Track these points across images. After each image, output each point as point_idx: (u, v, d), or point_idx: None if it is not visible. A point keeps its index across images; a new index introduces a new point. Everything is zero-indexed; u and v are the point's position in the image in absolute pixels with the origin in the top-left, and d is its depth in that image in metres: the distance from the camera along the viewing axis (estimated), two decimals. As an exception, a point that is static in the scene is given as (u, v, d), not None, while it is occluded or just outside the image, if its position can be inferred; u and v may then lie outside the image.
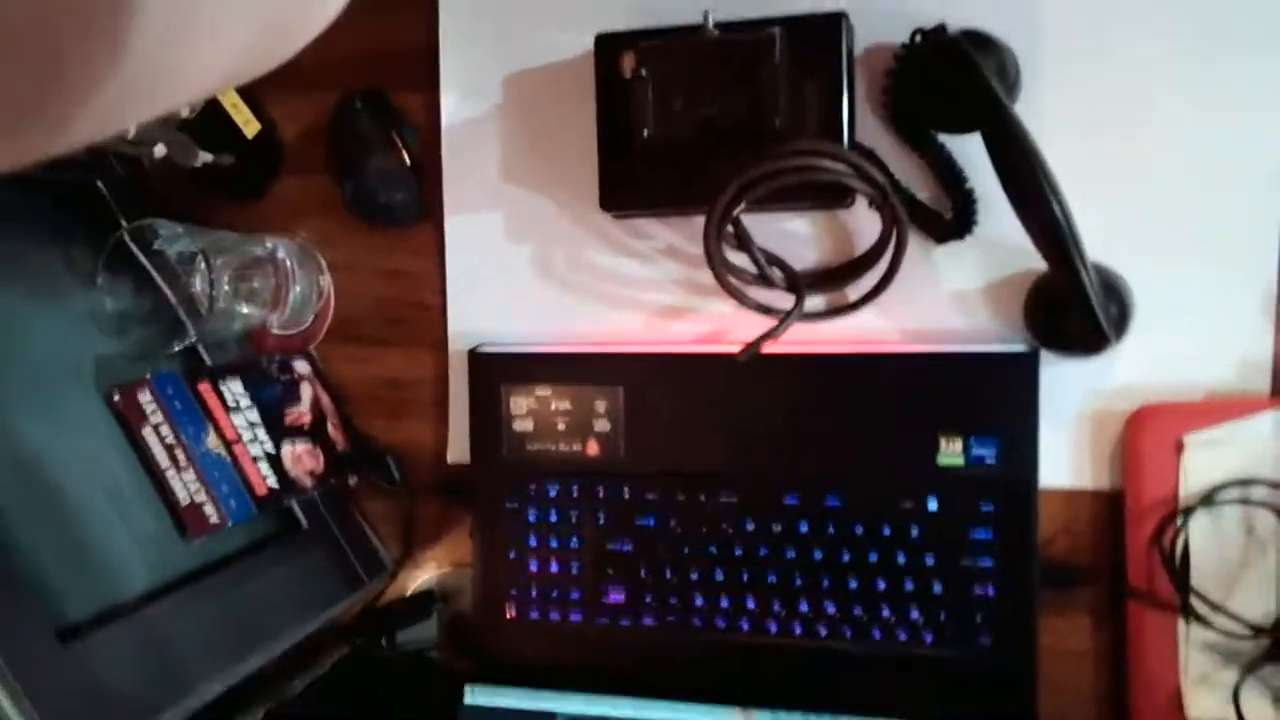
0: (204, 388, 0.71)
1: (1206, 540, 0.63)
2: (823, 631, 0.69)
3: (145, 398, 0.68)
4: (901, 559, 0.68)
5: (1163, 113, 0.64)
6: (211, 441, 0.70)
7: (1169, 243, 0.64)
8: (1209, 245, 0.64)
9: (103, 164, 0.74)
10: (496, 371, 0.75)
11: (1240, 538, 0.63)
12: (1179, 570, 0.63)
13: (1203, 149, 0.64)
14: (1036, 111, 0.62)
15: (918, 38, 0.63)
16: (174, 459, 0.68)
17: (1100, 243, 0.59)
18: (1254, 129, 0.63)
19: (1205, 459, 0.63)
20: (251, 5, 0.25)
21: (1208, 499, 0.63)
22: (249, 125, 0.77)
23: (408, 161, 0.76)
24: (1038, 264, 0.59)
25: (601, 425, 0.73)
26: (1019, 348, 0.66)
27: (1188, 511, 0.63)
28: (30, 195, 0.71)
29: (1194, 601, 0.63)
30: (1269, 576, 0.62)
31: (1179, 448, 0.63)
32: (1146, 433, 0.64)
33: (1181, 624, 0.64)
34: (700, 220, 0.64)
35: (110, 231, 0.70)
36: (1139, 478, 0.65)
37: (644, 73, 0.64)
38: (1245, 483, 0.62)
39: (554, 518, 0.74)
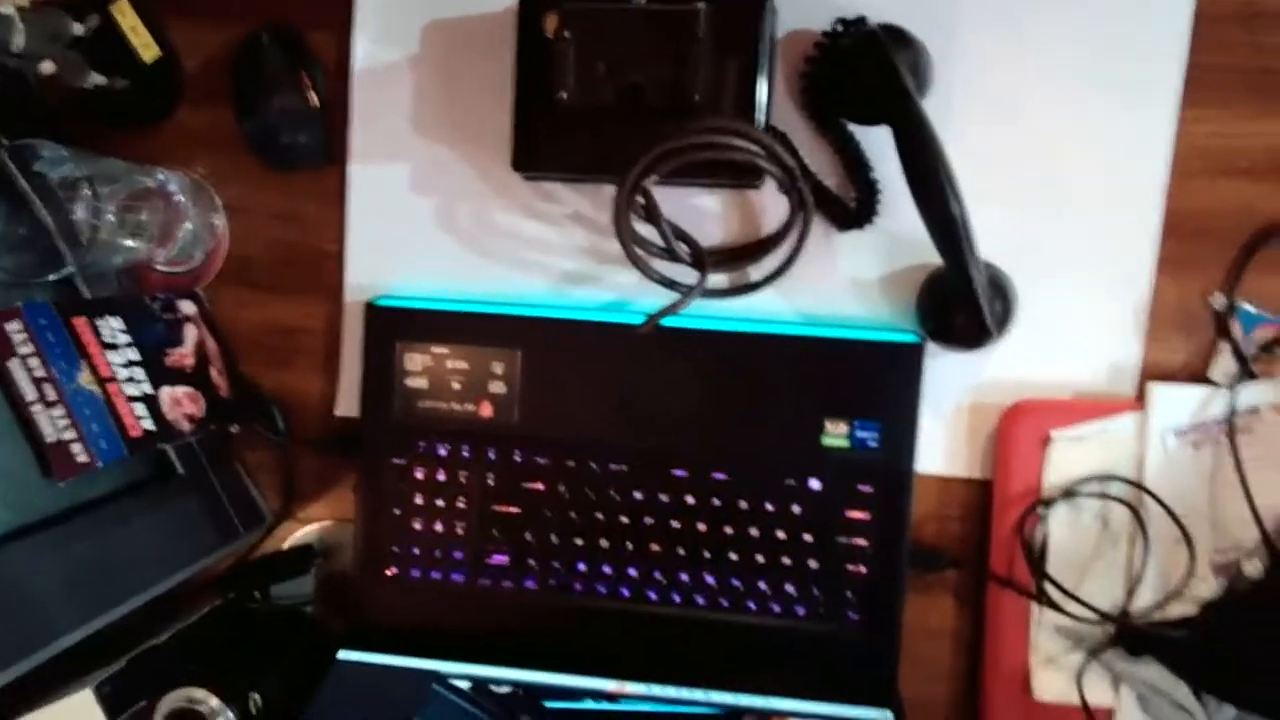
0: (79, 322, 0.68)
1: (1064, 531, 0.67)
2: (700, 601, 0.71)
3: (14, 327, 0.64)
4: (781, 535, 0.70)
5: (1060, 121, 0.67)
6: (84, 378, 0.67)
7: (1055, 247, 0.68)
8: (1091, 253, 0.68)
9: (-17, 76, 0.70)
10: (393, 325, 0.73)
11: (1095, 530, 0.67)
12: (1037, 558, 0.67)
13: (1093, 159, 0.67)
14: (945, 110, 0.64)
15: (839, 27, 0.65)
16: (42, 394, 0.65)
17: (992, 241, 0.62)
18: (1141, 143, 0.66)
19: (1069, 454, 0.67)
20: None
21: (1068, 492, 0.67)
22: (147, 49, 0.73)
23: (315, 102, 0.74)
24: (932, 258, 0.62)
25: (497, 387, 0.72)
26: (907, 337, 0.68)
27: (1049, 502, 0.67)
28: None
29: (1048, 587, 0.67)
30: (1118, 567, 0.67)
31: (1046, 442, 0.67)
32: (1018, 426, 0.68)
33: (1035, 608, 0.68)
34: (611, 189, 0.64)
35: (-12, 149, 0.66)
36: (1008, 469, 0.68)
37: (567, 34, 0.63)
38: (1104, 478, 0.66)
39: (442, 477, 0.73)
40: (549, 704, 0.68)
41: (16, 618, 0.60)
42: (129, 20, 0.72)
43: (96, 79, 0.71)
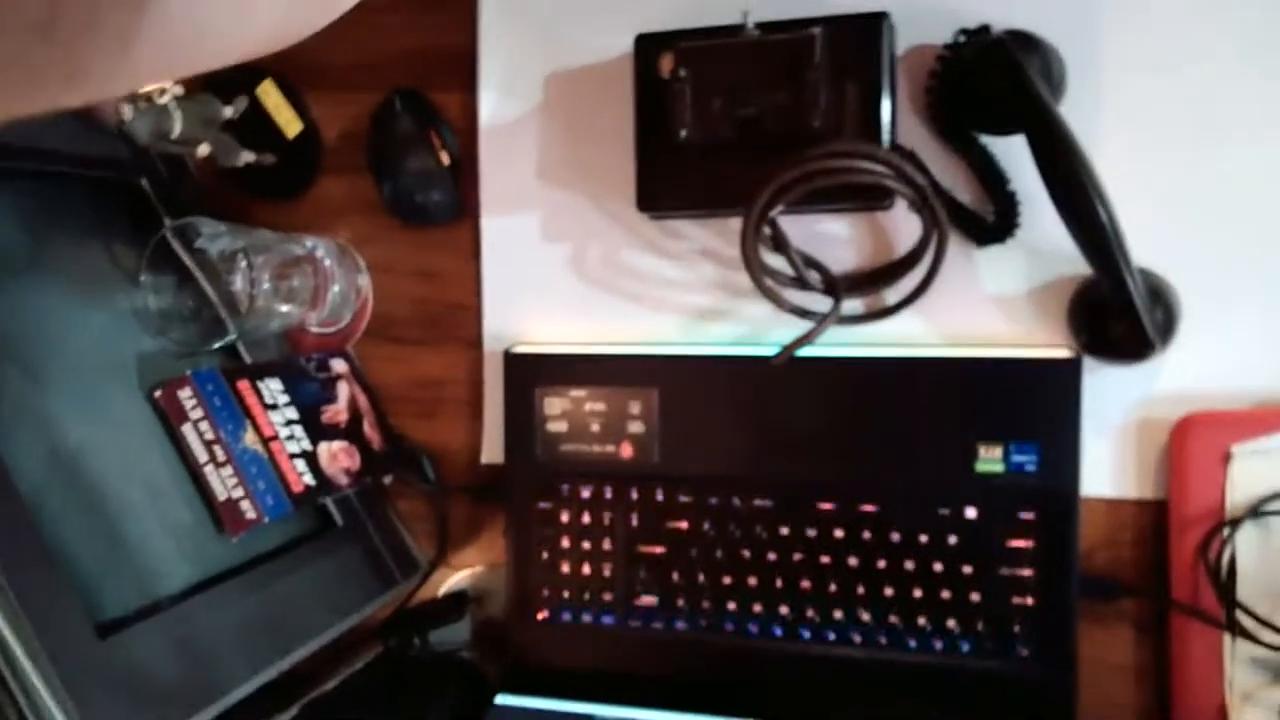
0: (243, 385, 0.71)
1: (1253, 553, 0.62)
2: (857, 640, 0.68)
3: (186, 394, 0.69)
4: (939, 567, 0.67)
5: (1214, 118, 0.63)
6: (249, 439, 0.71)
7: (1217, 248, 0.63)
8: (1258, 251, 0.62)
9: (147, 163, 0.75)
10: (531, 372, 0.75)
11: (1290, 551, 0.61)
12: (1225, 583, 0.62)
13: (1255, 155, 0.62)
14: (1083, 113, 0.61)
15: (961, 38, 0.63)
16: (213, 455, 0.69)
17: (1146, 247, 0.58)
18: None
19: (1253, 470, 0.61)
20: None
21: (1255, 511, 0.61)
22: (290, 125, 0.78)
23: (445, 161, 0.76)
24: (1082, 268, 0.58)
25: (635, 427, 0.72)
26: (1062, 353, 0.64)
27: (1234, 523, 0.62)
28: (76, 193, 0.72)
29: (1240, 616, 0.61)
30: (1320, 591, 0.61)
31: (1226, 458, 0.62)
32: (1192, 442, 0.63)
33: (1227, 639, 0.62)
34: (737, 221, 0.63)
35: (154, 230, 0.71)
36: (1184, 488, 0.63)
37: (682, 73, 0.63)
38: (1295, 495, 0.61)
39: (587, 519, 0.73)
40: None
41: (196, 669, 0.63)
42: (273, 100, 0.77)
43: (247, 157, 0.76)
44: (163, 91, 0.69)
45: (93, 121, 0.69)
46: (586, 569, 0.74)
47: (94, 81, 0.23)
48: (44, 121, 0.67)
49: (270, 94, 0.77)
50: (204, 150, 0.72)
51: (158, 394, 0.68)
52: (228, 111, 0.76)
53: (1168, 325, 0.61)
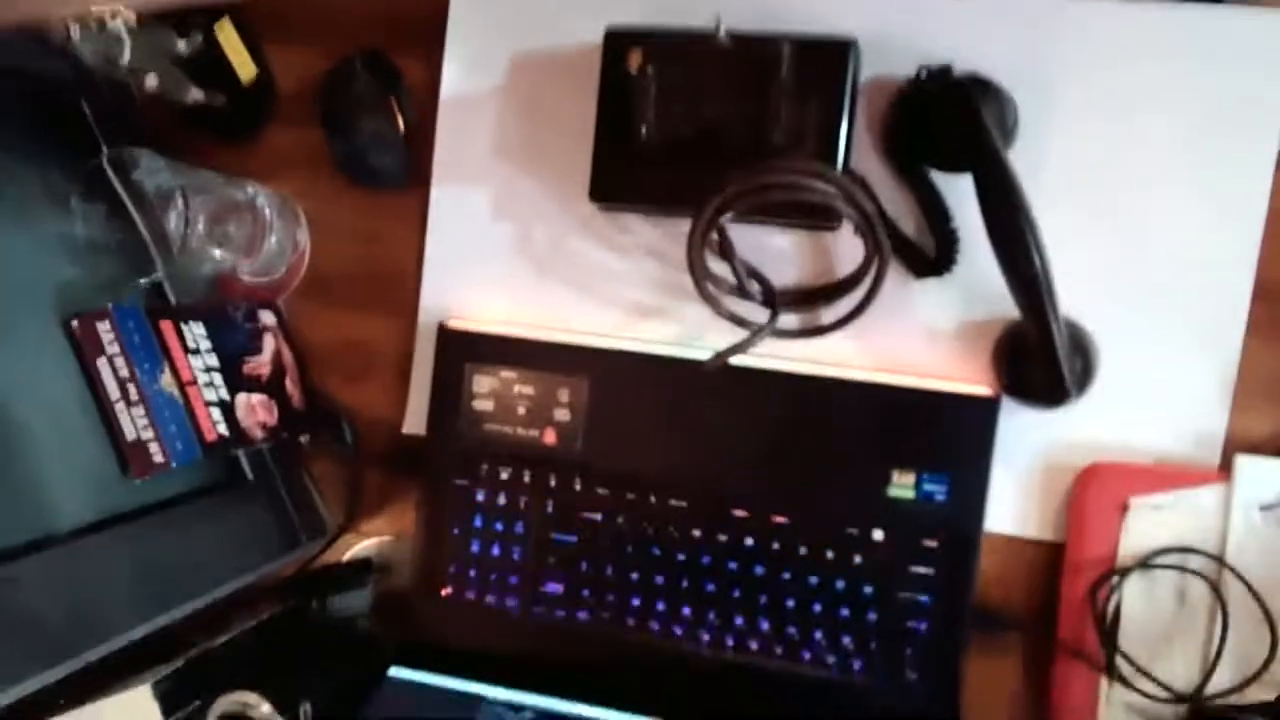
0: (166, 326, 0.70)
1: (1139, 603, 0.64)
2: (754, 646, 0.69)
3: (104, 328, 0.67)
4: (841, 584, 0.68)
5: (1152, 181, 0.65)
6: (166, 380, 0.69)
7: (1141, 307, 0.65)
8: (1179, 316, 0.65)
9: (91, 87, 0.73)
10: (464, 347, 0.74)
11: (1172, 604, 0.64)
12: (1108, 629, 0.64)
13: (1186, 223, 0.65)
14: (1030, 162, 0.62)
15: (923, 74, 0.64)
16: (125, 393, 0.67)
17: (1073, 297, 0.60)
18: (1236, 213, 0.64)
19: (1148, 523, 0.64)
20: None
21: (1145, 562, 0.64)
22: (245, 68, 0.76)
23: (401, 127, 0.75)
24: (1010, 311, 0.60)
25: (562, 415, 0.72)
26: (982, 391, 0.66)
27: (1124, 572, 0.64)
28: (13, 110, 0.69)
29: (1119, 661, 0.64)
30: (1196, 645, 0.64)
31: (1124, 509, 0.64)
32: (1094, 490, 0.65)
33: (1105, 682, 0.65)
34: (686, 223, 0.64)
35: (91, 156, 0.69)
36: (1081, 532, 0.66)
37: (649, 71, 0.64)
38: (1184, 551, 0.63)
39: (502, 501, 0.73)
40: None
41: (82, 611, 0.62)
42: (230, 40, 0.75)
43: (196, 95, 0.74)
44: (115, 15, 0.67)
45: (39, 37, 0.66)
46: (496, 550, 0.74)
47: None
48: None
49: (228, 33, 0.75)
50: (152, 82, 0.70)
51: (75, 324, 0.66)
52: (181, 45, 0.74)
53: (1085, 375, 0.64)
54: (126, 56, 0.68)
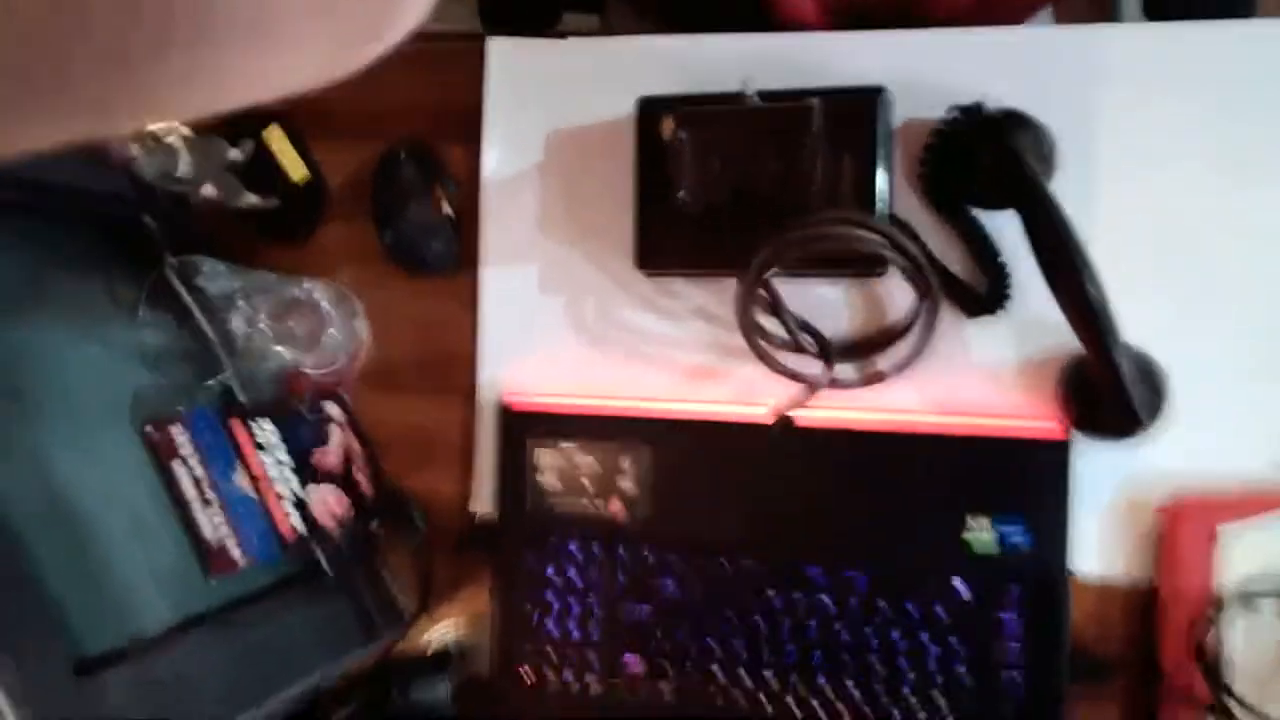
0: (236, 425, 0.72)
1: (1242, 636, 0.61)
2: (841, 709, 0.67)
3: (178, 431, 0.69)
4: (925, 638, 0.66)
5: (1206, 196, 0.63)
6: (240, 479, 0.71)
7: (1206, 328, 0.63)
8: (1246, 331, 0.63)
9: (151, 200, 0.76)
10: (524, 425, 0.75)
11: (1277, 636, 0.61)
12: (1213, 667, 0.61)
13: (1247, 236, 0.63)
14: (1074, 189, 0.61)
15: (955, 114, 0.63)
16: (202, 494, 0.69)
17: (1135, 325, 0.58)
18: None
19: (1241, 553, 0.61)
20: (328, 11, 0.25)
21: (1243, 595, 0.61)
22: (296, 170, 0.79)
23: (447, 212, 0.77)
24: (1072, 342, 0.58)
25: (626, 484, 0.72)
26: (1051, 430, 0.64)
27: (1223, 605, 0.61)
28: (79, 227, 0.73)
29: (1228, 700, 0.61)
30: (1308, 680, 0.60)
31: (1213, 540, 0.61)
32: (1180, 523, 0.63)
33: (1215, 724, 0.61)
34: (733, 283, 0.64)
35: (154, 267, 0.71)
36: (1173, 569, 0.63)
37: (683, 136, 0.64)
38: (1284, 580, 0.60)
39: (574, 575, 0.73)
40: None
41: (173, 710, 0.62)
42: (280, 144, 0.78)
43: (251, 199, 0.77)
44: (171, 131, 0.70)
45: (99, 157, 0.70)
46: (572, 626, 0.73)
47: (158, 109, 0.24)
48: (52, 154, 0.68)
49: (277, 138, 0.78)
50: (208, 190, 0.73)
51: (149, 429, 0.69)
52: (234, 153, 0.77)
53: (1155, 404, 0.61)
54: (183, 169, 0.71)
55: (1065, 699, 0.64)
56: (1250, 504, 0.61)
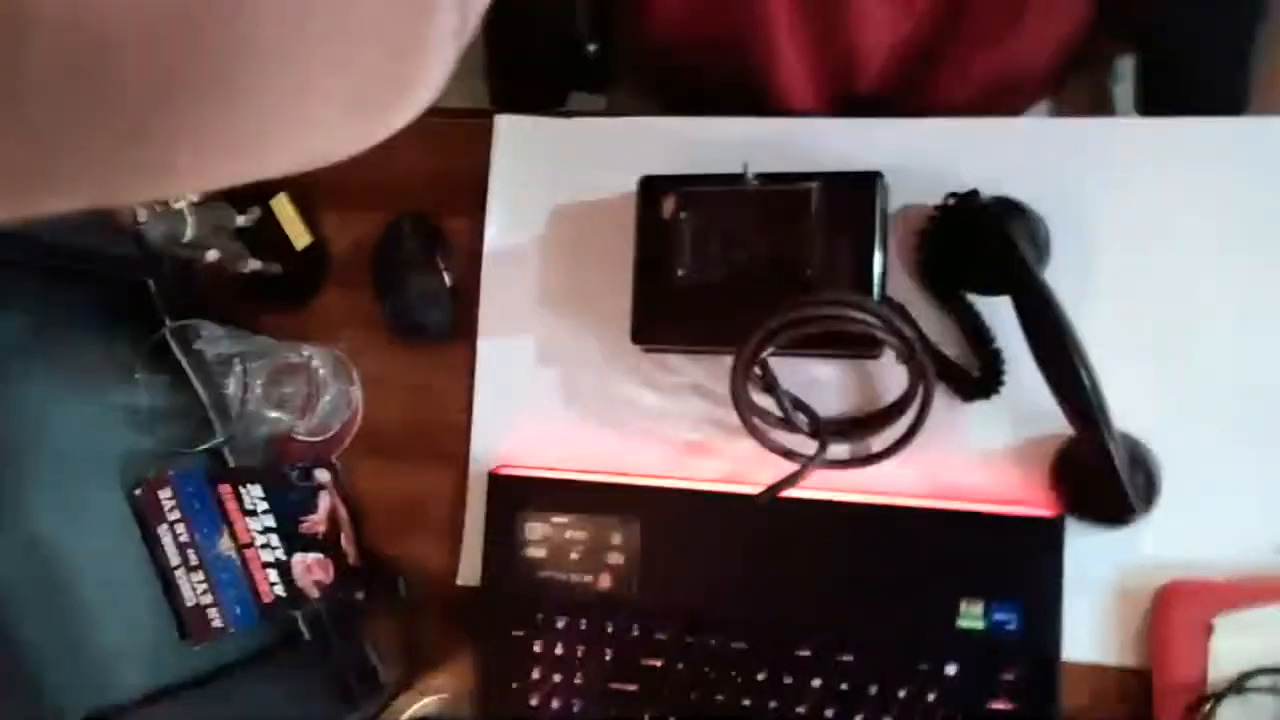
0: (224, 489, 0.71)
1: (1237, 729, 0.60)
2: (830, 796, 0.66)
3: (166, 494, 0.69)
4: (917, 725, 0.65)
5: (1194, 282, 0.65)
6: (225, 544, 0.70)
7: (1199, 415, 0.64)
8: (1240, 419, 0.63)
9: (155, 264, 0.77)
10: (514, 494, 0.74)
11: (1272, 729, 0.60)
12: (1208, 760, 0.60)
13: (1233, 320, 0.64)
14: (1068, 277, 0.63)
15: (950, 200, 0.65)
16: (185, 558, 0.68)
17: (1128, 411, 0.59)
18: (1286, 312, 0.63)
19: (1235, 643, 0.61)
20: (352, 84, 0.26)
21: (1238, 686, 0.60)
22: (300, 238, 0.80)
23: (448, 282, 0.78)
24: (1065, 427, 0.59)
25: (615, 558, 0.72)
26: (1044, 513, 0.65)
27: (1218, 696, 0.61)
28: (80, 287, 0.73)
29: (1223, 795, 0.60)
30: (1303, 775, 0.59)
31: (1209, 629, 0.61)
32: (1174, 611, 0.62)
33: (1211, 820, 0.60)
34: (729, 360, 0.64)
35: (154, 329, 0.72)
36: (1167, 656, 0.62)
37: (683, 215, 0.66)
38: (1277, 671, 0.60)
39: (560, 650, 0.72)
40: None
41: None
42: (286, 211, 0.79)
43: (254, 264, 0.78)
44: (178, 197, 0.71)
45: (106, 220, 0.71)
46: (556, 703, 0.72)
47: (176, 181, 0.24)
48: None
49: (284, 206, 0.79)
50: (213, 255, 0.74)
51: (138, 492, 0.68)
52: (240, 220, 0.78)
53: (1149, 490, 0.62)
54: (190, 234, 0.71)
55: (1059, 789, 0.63)
56: (1245, 593, 0.61)
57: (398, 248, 0.78)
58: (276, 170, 0.26)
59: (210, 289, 0.80)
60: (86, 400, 0.70)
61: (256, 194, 0.80)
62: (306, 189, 0.81)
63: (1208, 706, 0.61)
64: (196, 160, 0.23)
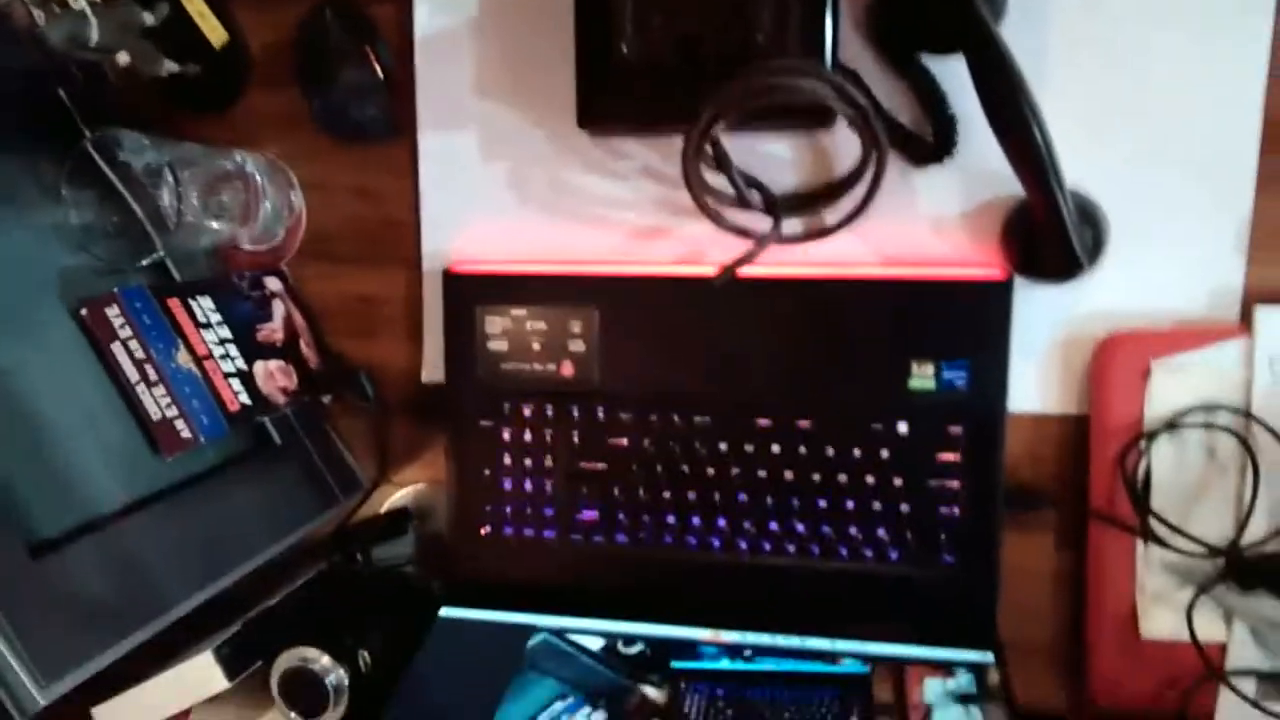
0: (173, 303, 0.70)
1: (1168, 464, 0.65)
2: (791, 550, 0.71)
3: (114, 313, 0.67)
4: (871, 480, 0.69)
5: (1147, 42, 0.64)
6: (182, 357, 0.69)
7: (1146, 171, 0.65)
8: (1186, 174, 0.64)
9: (64, 72, 0.72)
10: (471, 291, 0.74)
11: (1201, 462, 0.64)
12: (1140, 493, 0.65)
13: (1186, 82, 0.63)
14: (1021, 35, 0.61)
15: (904, -45, 0.62)
16: (144, 375, 0.68)
17: (1078, 169, 0.59)
18: (1237, 65, 0.63)
19: (1171, 385, 0.64)
20: None
21: (1171, 423, 0.64)
22: (216, 34, 0.74)
23: (379, 75, 0.74)
24: (1016, 190, 0.59)
25: (576, 346, 0.73)
26: (993, 274, 0.66)
27: (1151, 435, 0.65)
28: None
29: (1153, 523, 0.65)
30: (1227, 499, 0.64)
31: (1146, 373, 0.64)
32: (1115, 358, 0.65)
33: (1140, 545, 0.66)
34: (679, 140, 0.63)
35: (73, 143, 0.68)
36: (1106, 402, 0.66)
37: (624, -15, 0.62)
38: (1209, 408, 0.64)
39: (528, 437, 0.74)
40: (676, 663, 0.69)
41: (136, 588, 0.63)
42: (196, 6, 0.73)
43: (170, 66, 0.73)
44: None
45: (2, 26, 0.65)
46: (528, 485, 0.75)
47: None
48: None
49: (194, 0, 0.74)
50: (124, 59, 0.69)
51: (84, 312, 0.67)
52: (148, 18, 0.72)
53: (1096, 246, 0.63)
54: (95, 36, 0.67)
55: (1000, 529, 0.68)
56: (1181, 337, 0.64)
57: (323, 40, 0.73)
58: None
59: (126, 96, 0.75)
60: (12, 223, 0.67)
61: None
62: (216, -21, 0.75)
63: (1143, 445, 0.65)
64: None
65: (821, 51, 0.62)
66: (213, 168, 0.73)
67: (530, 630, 0.72)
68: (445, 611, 0.74)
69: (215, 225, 0.73)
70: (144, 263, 0.69)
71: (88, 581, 0.60)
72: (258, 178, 0.75)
